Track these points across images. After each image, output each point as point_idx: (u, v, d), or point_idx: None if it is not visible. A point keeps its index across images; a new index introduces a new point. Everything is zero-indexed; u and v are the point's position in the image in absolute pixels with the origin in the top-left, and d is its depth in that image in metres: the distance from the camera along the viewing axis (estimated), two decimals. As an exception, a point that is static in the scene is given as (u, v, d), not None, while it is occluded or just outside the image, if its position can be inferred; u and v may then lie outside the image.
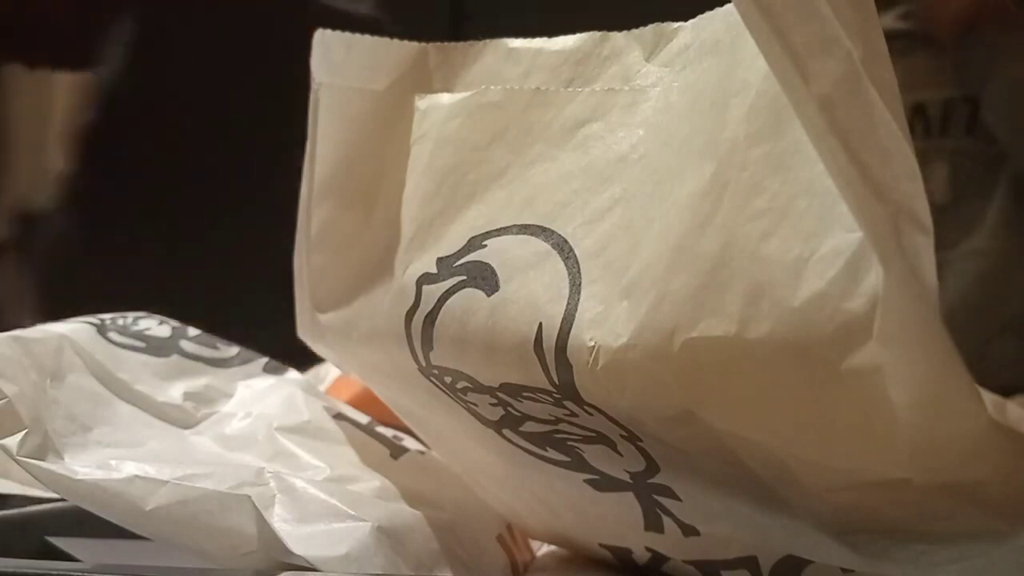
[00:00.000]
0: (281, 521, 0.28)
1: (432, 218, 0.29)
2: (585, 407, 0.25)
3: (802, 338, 0.20)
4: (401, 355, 0.29)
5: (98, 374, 0.32)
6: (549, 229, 0.26)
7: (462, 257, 0.28)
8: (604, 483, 0.29)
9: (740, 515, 0.26)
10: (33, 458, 0.27)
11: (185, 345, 0.36)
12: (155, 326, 0.36)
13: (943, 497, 0.21)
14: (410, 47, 0.32)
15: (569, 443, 0.28)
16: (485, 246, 0.27)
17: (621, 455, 0.27)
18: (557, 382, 0.25)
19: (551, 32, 0.29)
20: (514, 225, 0.27)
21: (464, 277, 0.27)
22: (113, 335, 0.34)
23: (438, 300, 0.28)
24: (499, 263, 0.27)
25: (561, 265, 0.26)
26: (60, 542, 0.33)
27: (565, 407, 0.26)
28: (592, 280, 0.25)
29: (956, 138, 0.83)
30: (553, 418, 0.27)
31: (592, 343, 0.24)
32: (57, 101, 0.84)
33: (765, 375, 0.21)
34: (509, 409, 0.28)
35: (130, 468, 0.27)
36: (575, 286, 0.25)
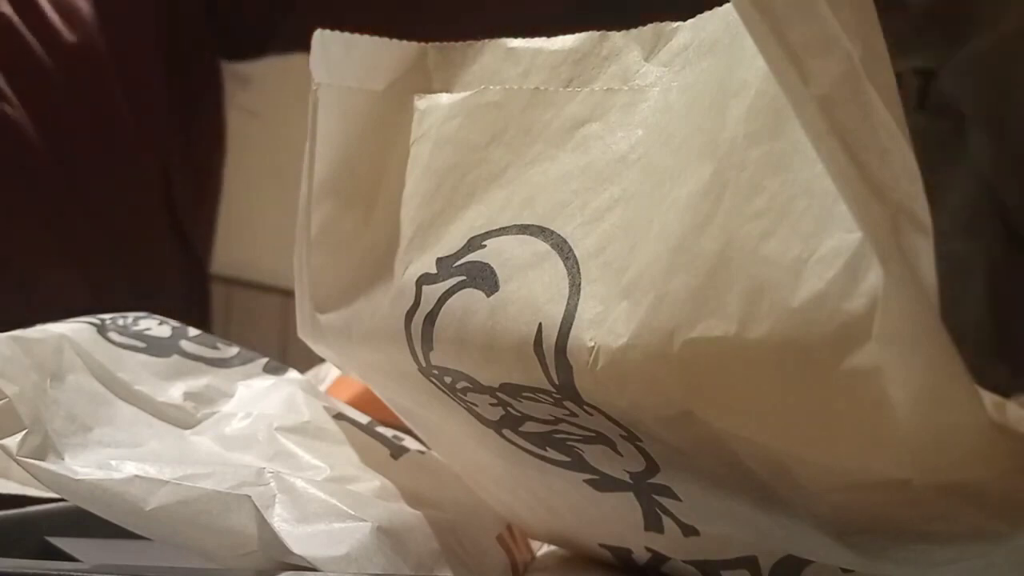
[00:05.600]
0: (281, 521, 0.28)
1: (432, 218, 0.29)
2: (585, 407, 0.25)
3: (802, 338, 0.20)
4: (401, 355, 0.29)
5: (98, 374, 0.32)
6: (548, 229, 0.26)
7: (462, 257, 0.28)
8: (604, 483, 0.29)
9: (740, 515, 0.26)
10: (33, 458, 0.27)
11: (185, 345, 0.36)
12: (155, 326, 0.36)
13: (943, 497, 0.21)
14: (409, 47, 0.32)
15: (569, 443, 0.28)
16: (485, 246, 0.27)
17: (621, 455, 0.27)
18: (557, 382, 0.25)
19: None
20: (513, 225, 0.27)
21: (464, 277, 0.27)
22: (113, 335, 0.34)
23: (438, 300, 0.28)
24: (499, 263, 0.27)
25: (561, 265, 0.26)
26: (60, 542, 0.33)
27: (565, 407, 0.26)
28: (592, 280, 0.25)
29: (907, 115, 0.81)
30: (553, 418, 0.27)
31: (592, 343, 0.24)
32: None
33: (765, 375, 0.21)
34: (509, 409, 0.28)
35: (130, 468, 0.27)
36: (575, 286, 0.25)
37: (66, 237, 0.76)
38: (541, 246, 0.26)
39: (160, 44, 0.81)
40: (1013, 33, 0.71)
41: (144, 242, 0.82)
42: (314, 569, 0.26)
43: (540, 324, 0.25)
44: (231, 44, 0.88)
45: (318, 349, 0.35)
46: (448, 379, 0.28)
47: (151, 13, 0.80)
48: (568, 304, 0.25)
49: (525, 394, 0.26)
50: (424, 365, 0.29)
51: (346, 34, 0.32)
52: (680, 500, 0.27)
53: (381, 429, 0.37)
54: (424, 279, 0.28)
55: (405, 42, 0.32)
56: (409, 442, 0.37)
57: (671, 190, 0.24)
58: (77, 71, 0.76)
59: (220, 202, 0.91)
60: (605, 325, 0.24)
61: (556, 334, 0.25)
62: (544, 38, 0.29)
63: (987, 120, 0.73)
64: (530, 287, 0.26)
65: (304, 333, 0.34)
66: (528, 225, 0.27)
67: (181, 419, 0.33)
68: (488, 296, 0.26)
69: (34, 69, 0.74)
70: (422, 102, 0.31)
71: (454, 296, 0.27)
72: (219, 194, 0.90)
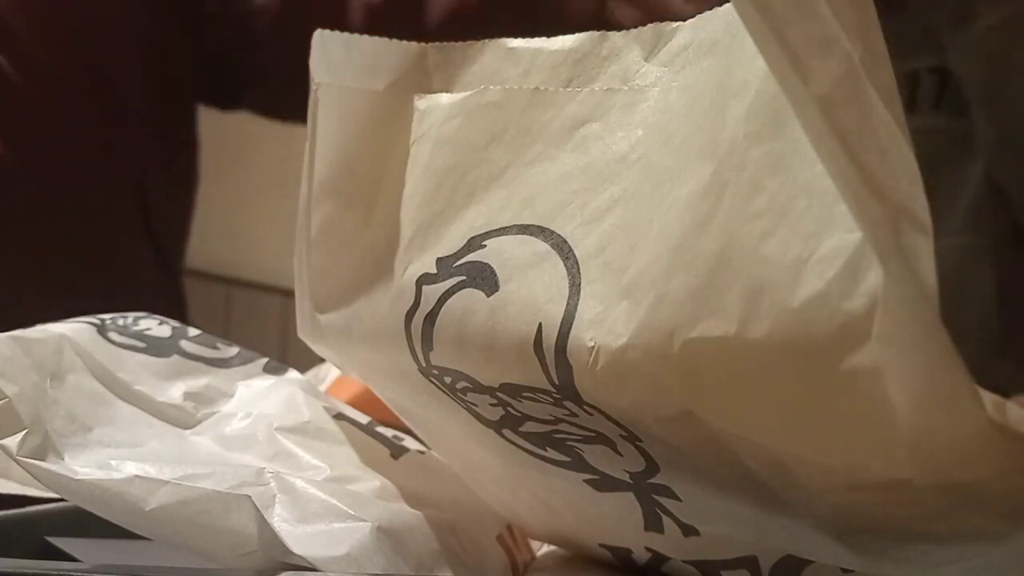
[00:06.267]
0: (281, 521, 0.28)
1: (432, 218, 0.29)
2: (585, 407, 0.25)
3: (802, 338, 0.20)
4: (401, 355, 0.29)
5: (98, 374, 0.32)
6: (548, 229, 0.26)
7: (462, 257, 0.28)
8: (604, 483, 0.29)
9: (740, 515, 0.26)
10: (33, 458, 0.27)
11: (185, 345, 0.36)
12: (155, 326, 0.36)
13: (943, 497, 0.21)
14: (409, 47, 0.32)
15: (569, 443, 0.28)
16: (485, 246, 0.27)
17: (621, 455, 0.27)
18: (557, 382, 0.25)
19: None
20: (513, 225, 0.27)
21: (464, 277, 0.27)
22: (113, 335, 0.34)
23: (438, 300, 0.28)
24: (499, 263, 0.27)
25: (561, 265, 0.26)
26: (60, 542, 0.33)
27: (565, 407, 0.26)
28: (592, 280, 0.25)
29: (923, 114, 0.80)
30: (553, 418, 0.27)
31: (592, 343, 0.24)
32: None
33: (765, 375, 0.21)
34: (509, 409, 0.28)
35: (130, 468, 0.27)
36: (575, 286, 0.25)
37: (37, 250, 0.76)
38: (541, 246, 0.26)
39: (144, 64, 0.81)
40: (1014, 16, 0.70)
41: (118, 255, 0.82)
42: (314, 569, 0.26)
43: (540, 324, 0.25)
44: (209, 91, 0.89)
45: (318, 349, 0.35)
46: (448, 379, 0.28)
47: (136, 34, 0.81)
48: (568, 304, 0.25)
49: (525, 394, 0.26)
50: (424, 365, 0.29)
51: (346, 34, 0.32)
52: (680, 500, 0.27)
53: (381, 429, 0.36)
54: (424, 279, 0.28)
55: (405, 42, 0.32)
56: (409, 442, 0.37)
57: (671, 190, 0.24)
58: (52, 87, 0.76)
59: (193, 214, 0.91)
60: (605, 325, 0.24)
61: (556, 334, 0.25)
62: (544, 38, 0.29)
63: (987, 104, 0.72)
64: (530, 287, 0.26)
65: (304, 333, 0.35)
66: (528, 225, 0.27)
67: (181, 419, 0.33)
68: (488, 296, 0.26)
69: (5, 86, 0.75)
70: (422, 102, 0.31)
71: (454, 296, 0.27)
72: (193, 206, 0.90)
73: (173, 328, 0.37)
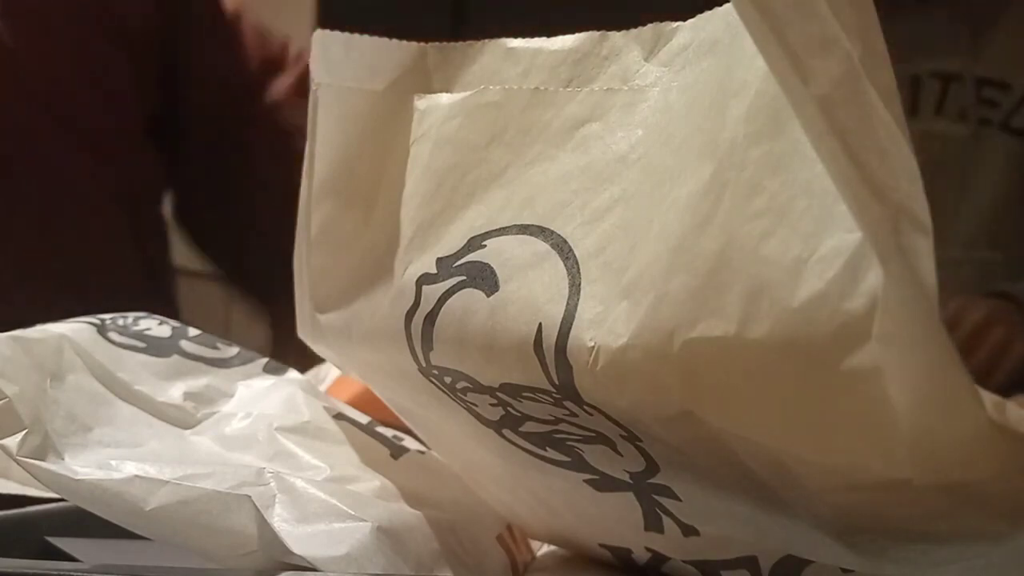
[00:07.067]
0: (281, 521, 0.28)
1: (432, 218, 0.29)
2: (585, 407, 0.25)
3: (802, 338, 0.20)
4: (401, 355, 0.29)
5: (98, 374, 0.32)
6: (548, 229, 0.26)
7: (462, 257, 0.28)
8: (604, 483, 0.29)
9: (740, 515, 0.26)
10: (33, 458, 0.27)
11: (185, 345, 0.36)
12: (155, 326, 0.36)
13: (943, 497, 0.21)
14: (409, 47, 0.32)
15: (569, 443, 0.28)
16: (485, 246, 0.27)
17: (621, 455, 0.27)
18: (557, 382, 0.25)
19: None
20: (513, 225, 0.27)
21: (464, 277, 0.27)
22: (113, 335, 0.34)
23: (438, 300, 0.28)
24: (499, 263, 0.27)
25: (561, 265, 0.26)
26: (60, 542, 0.33)
27: (565, 407, 0.26)
28: (592, 280, 0.25)
29: (925, 119, 0.79)
30: (553, 418, 0.27)
31: (592, 343, 0.24)
32: None
33: (765, 375, 0.21)
34: (509, 409, 0.28)
35: (130, 468, 0.27)
36: (575, 286, 0.25)
37: (32, 254, 0.78)
38: (541, 246, 0.26)
39: (132, 108, 0.86)
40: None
41: (105, 263, 0.84)
42: (314, 569, 0.26)
43: (540, 324, 0.25)
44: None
45: (318, 349, 0.35)
46: (448, 379, 0.28)
47: (125, 87, 0.85)
48: (568, 304, 0.25)
49: (525, 394, 0.26)
50: (424, 365, 0.29)
51: (346, 34, 0.32)
52: (680, 500, 0.27)
53: (381, 429, 0.36)
54: (424, 279, 0.28)
55: (405, 42, 0.32)
56: (409, 442, 0.37)
57: (671, 190, 0.24)
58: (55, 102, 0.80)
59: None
60: (605, 325, 0.24)
61: (556, 334, 0.25)
62: (544, 38, 0.29)
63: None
64: (530, 287, 0.26)
65: (304, 333, 0.35)
66: (528, 225, 0.27)
67: (181, 419, 0.33)
68: (488, 296, 0.26)
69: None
70: (422, 102, 0.31)
71: (454, 296, 0.27)
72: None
73: (173, 328, 0.37)
